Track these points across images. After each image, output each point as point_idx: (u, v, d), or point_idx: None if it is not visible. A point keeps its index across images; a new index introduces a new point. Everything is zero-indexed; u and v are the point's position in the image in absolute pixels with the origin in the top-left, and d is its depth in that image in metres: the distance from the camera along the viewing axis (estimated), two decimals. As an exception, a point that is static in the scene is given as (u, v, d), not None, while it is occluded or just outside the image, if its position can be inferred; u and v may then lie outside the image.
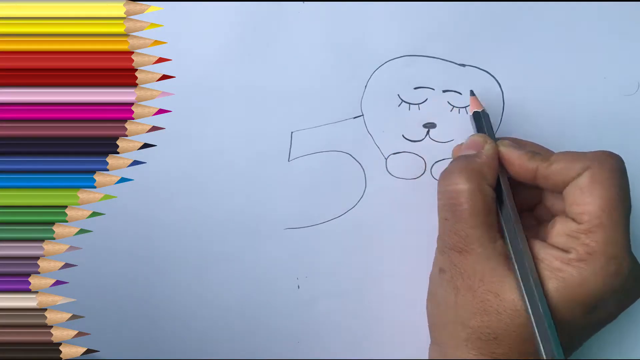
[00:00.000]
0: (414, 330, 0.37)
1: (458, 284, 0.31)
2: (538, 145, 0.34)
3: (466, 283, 0.30)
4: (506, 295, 0.29)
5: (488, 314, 0.29)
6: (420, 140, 0.36)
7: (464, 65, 0.35)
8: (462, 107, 0.35)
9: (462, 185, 0.31)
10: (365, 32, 0.35)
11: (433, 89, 0.35)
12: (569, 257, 0.29)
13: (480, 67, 0.35)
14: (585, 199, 0.29)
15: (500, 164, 0.32)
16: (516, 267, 0.29)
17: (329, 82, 0.35)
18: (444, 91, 0.35)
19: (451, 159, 0.35)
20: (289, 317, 0.37)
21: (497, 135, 0.35)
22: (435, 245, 0.33)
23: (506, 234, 0.31)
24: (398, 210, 0.36)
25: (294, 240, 0.36)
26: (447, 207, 0.31)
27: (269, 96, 0.35)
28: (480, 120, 0.34)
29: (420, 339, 0.37)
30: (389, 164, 0.36)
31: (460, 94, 0.35)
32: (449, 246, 0.31)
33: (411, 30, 0.35)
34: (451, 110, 0.36)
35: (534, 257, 0.30)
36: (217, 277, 0.37)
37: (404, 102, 0.36)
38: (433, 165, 0.36)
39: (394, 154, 0.36)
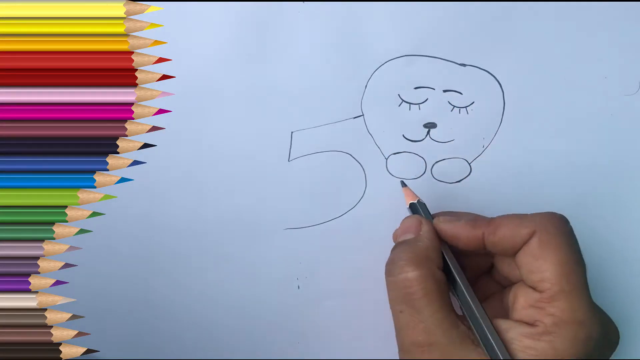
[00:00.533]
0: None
1: None
2: (472, 213, 0.33)
3: None
4: None
5: None
6: (421, 140, 0.36)
7: (464, 65, 0.35)
8: (463, 107, 0.35)
9: (412, 272, 0.29)
10: (365, 32, 0.35)
11: (433, 89, 0.35)
12: (537, 331, 0.28)
13: (481, 67, 0.35)
14: (540, 266, 0.29)
15: (443, 242, 0.32)
16: (486, 353, 0.28)
17: (329, 82, 0.35)
18: (444, 91, 0.35)
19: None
20: (289, 317, 0.37)
21: (497, 137, 0.35)
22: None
23: (468, 319, 0.30)
24: (398, 210, 0.36)
25: (294, 240, 0.36)
26: (400, 299, 0.30)
27: (269, 96, 0.35)
28: (418, 211, 0.33)
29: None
30: (389, 164, 0.36)
31: (461, 93, 0.35)
32: (410, 342, 0.29)
33: (411, 30, 0.35)
34: (452, 110, 0.36)
35: (502, 339, 0.28)
36: (217, 277, 0.37)
37: (404, 102, 0.36)
38: (433, 165, 0.36)
39: (394, 154, 0.36)
